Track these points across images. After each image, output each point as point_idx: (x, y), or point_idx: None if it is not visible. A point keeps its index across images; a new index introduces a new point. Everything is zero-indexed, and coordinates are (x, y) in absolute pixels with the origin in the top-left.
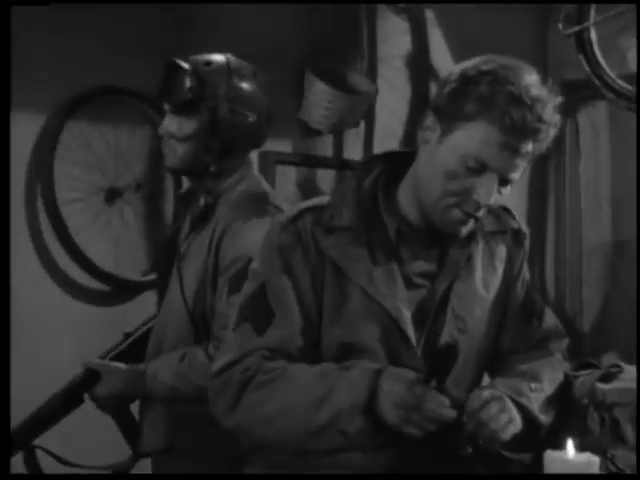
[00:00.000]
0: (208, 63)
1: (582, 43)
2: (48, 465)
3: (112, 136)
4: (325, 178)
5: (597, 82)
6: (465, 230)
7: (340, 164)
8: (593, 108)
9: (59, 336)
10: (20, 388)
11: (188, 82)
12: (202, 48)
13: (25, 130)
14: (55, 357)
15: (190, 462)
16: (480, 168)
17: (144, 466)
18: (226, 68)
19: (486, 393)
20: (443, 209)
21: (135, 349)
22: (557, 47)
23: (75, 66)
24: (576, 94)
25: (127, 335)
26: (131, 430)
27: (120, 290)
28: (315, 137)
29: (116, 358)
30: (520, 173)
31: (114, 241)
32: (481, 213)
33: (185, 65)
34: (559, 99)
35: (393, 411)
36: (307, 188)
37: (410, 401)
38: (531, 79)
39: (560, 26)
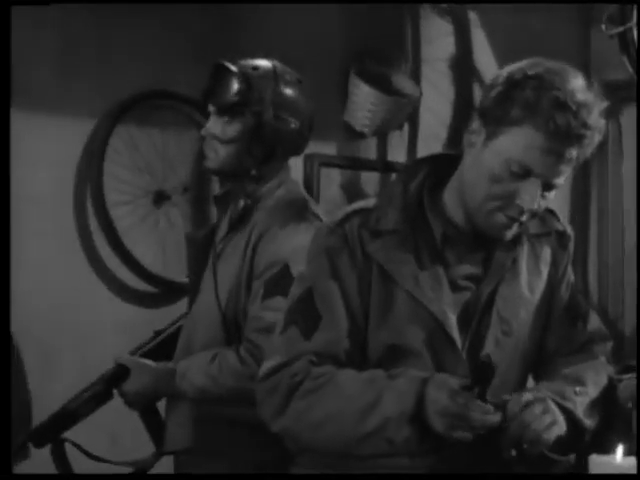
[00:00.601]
0: (255, 68)
1: (625, 43)
2: (76, 459)
3: (160, 139)
4: (369, 180)
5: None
6: (509, 234)
7: (384, 166)
8: (636, 109)
9: (106, 337)
10: (68, 388)
11: (236, 85)
12: (247, 51)
13: (74, 133)
14: (102, 357)
15: (213, 462)
16: (524, 173)
17: (166, 464)
18: (273, 73)
19: (527, 395)
20: (487, 213)
21: (164, 347)
22: (599, 48)
23: (122, 70)
24: (619, 95)
25: (157, 333)
26: (157, 428)
27: (167, 292)
28: (359, 139)
29: (145, 355)
30: (564, 179)
31: (161, 243)
32: (525, 218)
33: (234, 68)
34: (605, 104)
35: (439, 419)
36: (351, 190)
37: (454, 409)
38: (577, 84)
39: (603, 27)
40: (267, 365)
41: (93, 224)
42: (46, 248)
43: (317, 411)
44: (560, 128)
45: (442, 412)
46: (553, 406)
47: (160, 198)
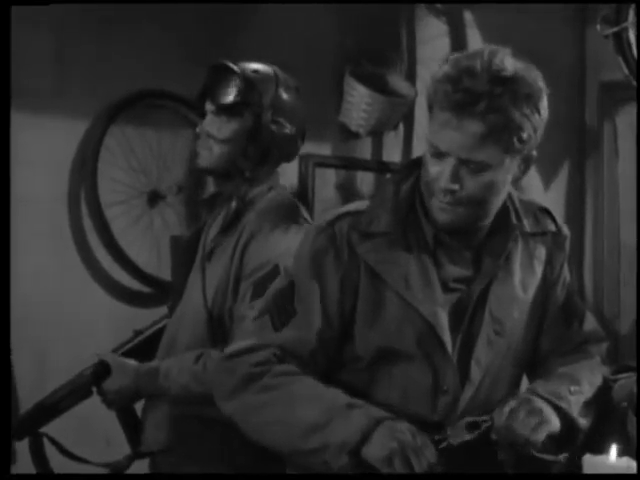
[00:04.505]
0: (256, 71)
1: (620, 44)
2: (54, 454)
3: (154, 139)
4: (365, 180)
5: (635, 83)
6: (444, 217)
7: (379, 167)
8: (631, 109)
9: (101, 336)
10: None
11: (238, 85)
12: (242, 51)
13: (69, 134)
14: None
15: (190, 463)
16: (437, 153)
17: (141, 466)
18: (274, 78)
19: (510, 403)
20: (427, 200)
21: (146, 347)
22: (595, 48)
23: (116, 70)
24: (615, 95)
25: (137, 333)
26: (134, 428)
27: (161, 292)
28: (354, 140)
29: (126, 355)
30: (489, 155)
31: (156, 243)
32: (449, 199)
33: (236, 69)
34: (503, 70)
35: (386, 443)
36: (346, 191)
37: (410, 443)
38: (468, 52)
39: (598, 27)
40: (234, 346)
41: (87, 224)
42: (41, 248)
43: (268, 411)
44: (447, 98)
45: (394, 437)
46: (540, 404)
47: (155, 198)
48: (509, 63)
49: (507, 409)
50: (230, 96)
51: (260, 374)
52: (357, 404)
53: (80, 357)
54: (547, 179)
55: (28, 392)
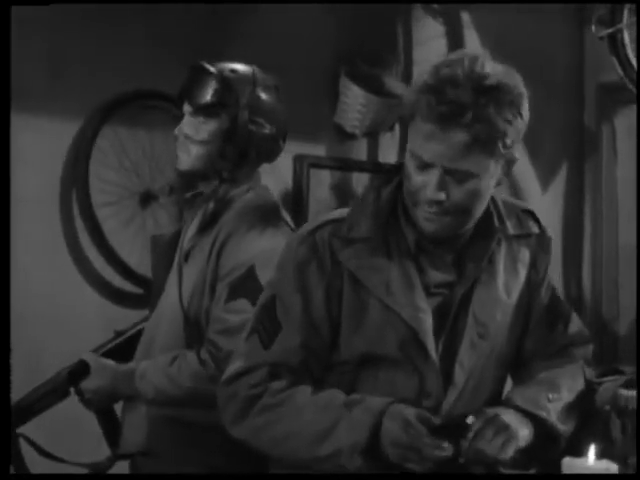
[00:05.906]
0: (234, 70)
1: (615, 45)
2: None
3: (147, 140)
4: (361, 182)
5: (629, 84)
6: (431, 227)
7: (375, 168)
8: (630, 111)
9: (93, 337)
10: None
11: (214, 86)
12: (237, 52)
13: (62, 134)
14: None
15: (169, 465)
16: (422, 164)
17: (122, 467)
18: (251, 78)
19: (476, 424)
20: (411, 209)
21: (125, 348)
22: (594, 49)
23: (108, 71)
24: (613, 97)
25: (118, 333)
26: (112, 430)
27: None
28: (350, 141)
29: (106, 355)
30: (476, 164)
31: (147, 244)
32: (435, 209)
33: (212, 69)
34: (485, 77)
35: (392, 449)
36: (342, 192)
37: (405, 441)
38: (449, 60)
39: (593, 28)
40: (229, 370)
41: (79, 225)
42: (32, 249)
43: (274, 429)
44: (430, 109)
45: (394, 443)
46: (507, 420)
47: (147, 199)
48: (490, 69)
49: (473, 430)
50: (206, 97)
51: (259, 395)
52: (353, 401)
53: (72, 357)
54: (545, 181)
55: (21, 392)
